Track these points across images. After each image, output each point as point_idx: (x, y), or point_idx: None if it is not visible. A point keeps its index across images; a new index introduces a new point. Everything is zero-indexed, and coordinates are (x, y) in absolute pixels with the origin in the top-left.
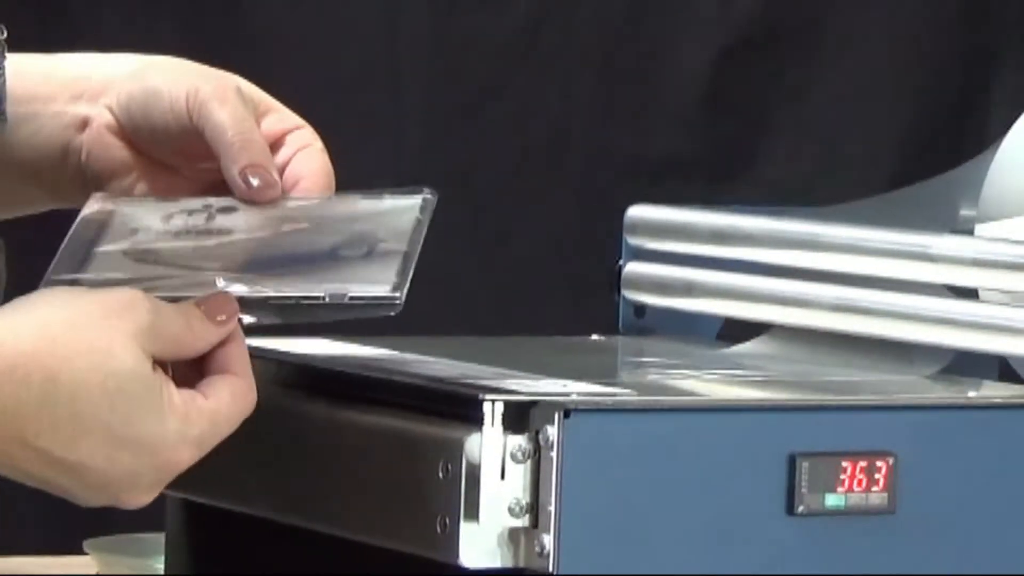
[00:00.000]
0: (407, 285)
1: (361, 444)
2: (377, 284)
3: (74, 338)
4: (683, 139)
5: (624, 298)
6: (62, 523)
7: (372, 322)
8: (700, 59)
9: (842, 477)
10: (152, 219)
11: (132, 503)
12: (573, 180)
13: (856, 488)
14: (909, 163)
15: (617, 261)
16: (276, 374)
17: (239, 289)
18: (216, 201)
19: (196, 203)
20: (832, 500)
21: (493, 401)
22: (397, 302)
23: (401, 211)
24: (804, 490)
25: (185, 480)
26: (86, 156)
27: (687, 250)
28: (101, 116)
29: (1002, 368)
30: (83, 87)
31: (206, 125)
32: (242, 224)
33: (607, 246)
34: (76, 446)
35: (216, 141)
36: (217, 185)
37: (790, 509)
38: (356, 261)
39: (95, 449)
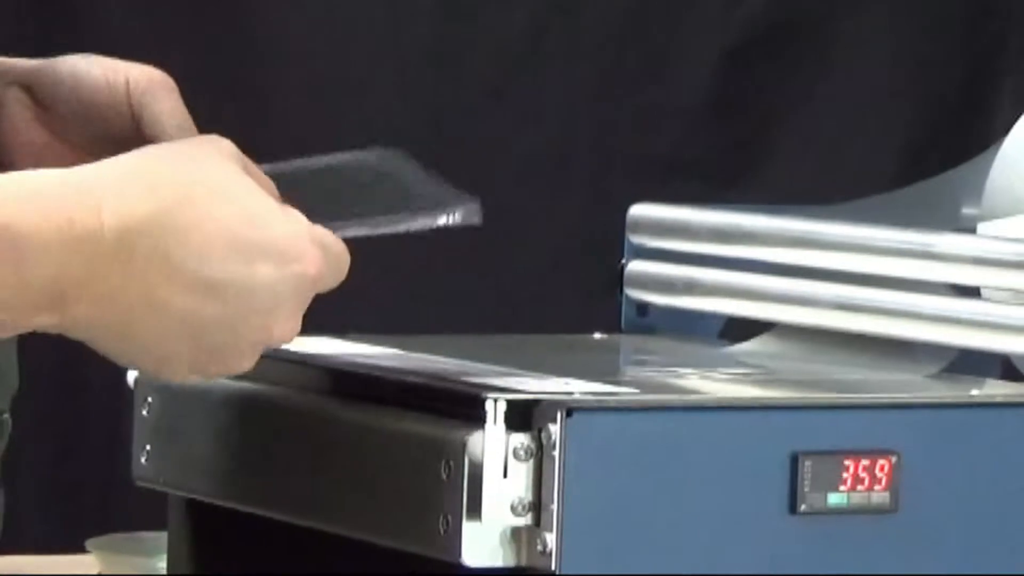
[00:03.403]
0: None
1: (363, 443)
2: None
3: (175, 155)
4: (689, 141)
5: (627, 297)
6: (64, 522)
7: (374, 321)
8: (705, 61)
9: (844, 476)
10: None
11: (280, 328)
12: (578, 181)
13: (859, 487)
14: (914, 164)
15: (620, 260)
16: (278, 373)
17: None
18: None
19: None
20: (835, 499)
21: (496, 400)
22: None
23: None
24: (806, 489)
25: (187, 479)
26: (3, 136)
27: (689, 249)
28: (16, 97)
29: (1004, 367)
30: None
31: (146, 112)
32: None
33: (610, 245)
34: (210, 256)
35: (156, 129)
36: None
37: (793, 508)
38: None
39: (228, 256)
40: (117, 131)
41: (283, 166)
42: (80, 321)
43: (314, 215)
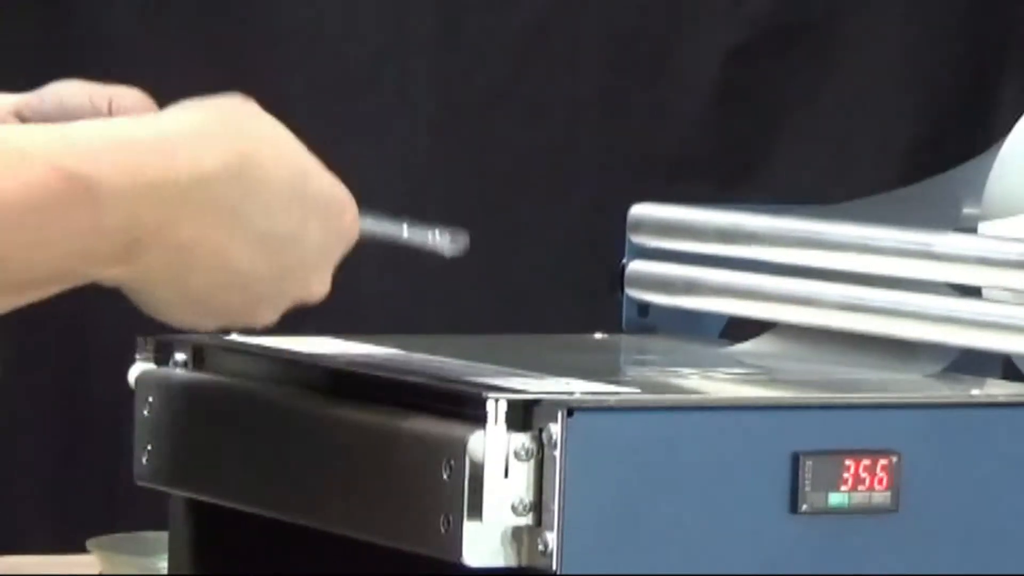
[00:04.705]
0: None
1: (364, 442)
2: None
3: (240, 112)
4: (694, 140)
5: (627, 296)
6: (65, 522)
7: (375, 321)
8: (711, 59)
9: (845, 476)
10: None
11: (317, 285)
12: (580, 180)
13: (859, 487)
14: (920, 163)
15: (621, 260)
16: (278, 373)
17: None
18: None
19: None
20: (835, 499)
21: (497, 400)
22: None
23: None
24: (807, 488)
25: (188, 479)
26: None
27: (690, 248)
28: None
29: (1005, 366)
30: None
31: None
32: None
33: (611, 245)
34: (273, 211)
35: None
36: None
37: (793, 508)
38: None
39: (286, 211)
40: None
41: None
42: (144, 272)
43: None
